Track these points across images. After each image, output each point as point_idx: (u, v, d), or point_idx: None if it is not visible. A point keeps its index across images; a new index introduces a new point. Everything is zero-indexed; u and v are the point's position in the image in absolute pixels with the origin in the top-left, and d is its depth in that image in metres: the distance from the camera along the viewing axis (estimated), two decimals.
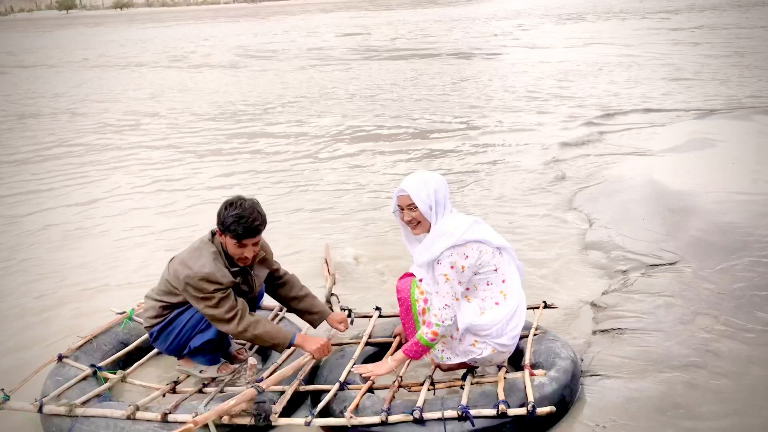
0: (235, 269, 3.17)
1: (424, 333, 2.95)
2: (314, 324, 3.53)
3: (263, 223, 3.10)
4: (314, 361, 3.29)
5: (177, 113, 12.36)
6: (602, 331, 3.78)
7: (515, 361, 3.27)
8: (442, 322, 2.90)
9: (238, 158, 8.71)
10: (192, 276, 3.03)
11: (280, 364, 3.33)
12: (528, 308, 3.57)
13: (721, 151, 7.77)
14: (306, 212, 6.33)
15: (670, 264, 4.67)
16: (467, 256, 2.88)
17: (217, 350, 3.34)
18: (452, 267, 2.88)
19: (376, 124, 10.39)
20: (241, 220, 3.02)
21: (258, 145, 9.43)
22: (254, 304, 3.45)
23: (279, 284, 3.52)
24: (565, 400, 2.94)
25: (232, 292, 3.10)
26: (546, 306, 3.67)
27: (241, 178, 7.70)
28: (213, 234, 3.19)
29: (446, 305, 2.89)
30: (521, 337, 3.27)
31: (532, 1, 53.68)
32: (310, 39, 28.68)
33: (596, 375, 3.30)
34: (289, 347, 3.20)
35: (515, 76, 14.84)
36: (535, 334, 3.35)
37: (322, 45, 25.49)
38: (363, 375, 3.08)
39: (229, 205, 3.07)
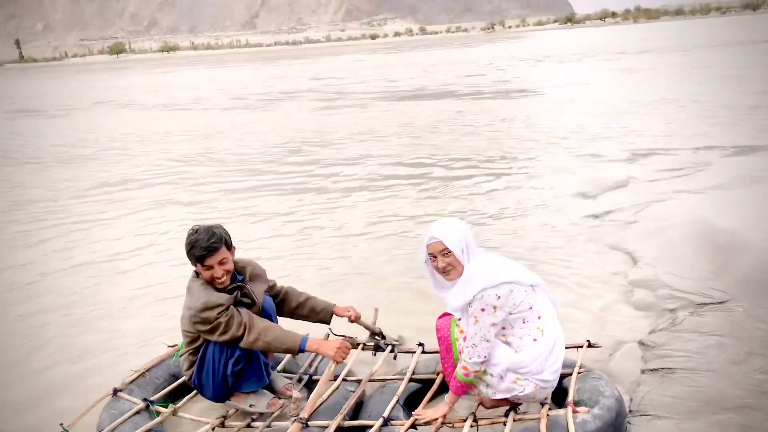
0: (229, 288, 3.32)
1: (459, 370, 3.01)
2: (325, 321, 3.68)
3: (219, 240, 3.25)
4: (357, 395, 3.34)
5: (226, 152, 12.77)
6: (651, 371, 3.71)
7: (559, 399, 3.25)
8: (469, 358, 2.96)
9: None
10: (194, 313, 3.20)
11: (325, 400, 3.38)
12: (572, 347, 3.57)
13: None
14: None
15: (720, 303, 4.57)
16: (499, 297, 2.93)
17: (257, 367, 3.41)
18: (483, 309, 2.93)
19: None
20: (196, 243, 3.22)
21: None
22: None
23: (280, 301, 3.68)
24: None
25: (235, 309, 3.24)
26: (590, 345, 3.64)
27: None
28: (196, 273, 3.36)
29: (473, 344, 2.95)
30: (565, 375, 3.27)
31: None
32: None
33: (646, 415, 3.24)
34: (302, 351, 3.26)
35: (558, 114, 14.87)
36: (579, 372, 3.33)
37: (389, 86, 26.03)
38: (422, 421, 3.08)
39: (188, 234, 3.29)
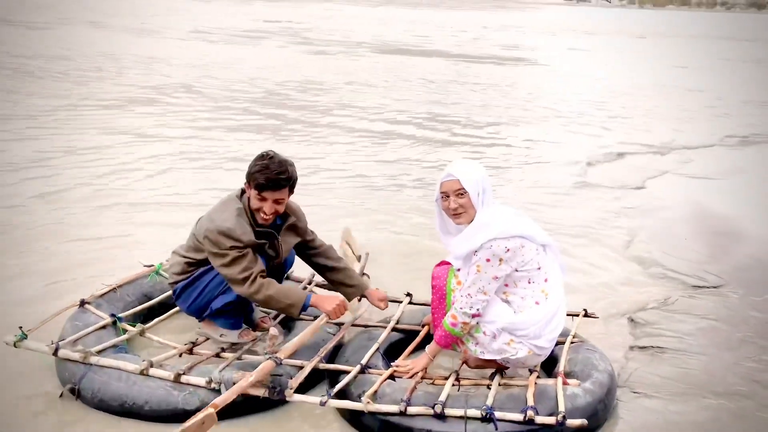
0: (260, 230, 3.05)
1: (446, 318, 2.82)
2: (350, 297, 3.40)
3: (289, 179, 2.98)
4: (337, 338, 3.18)
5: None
6: (641, 348, 3.59)
7: (548, 367, 3.09)
8: (461, 308, 2.76)
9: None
10: (212, 229, 2.93)
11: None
12: (567, 315, 3.40)
13: None
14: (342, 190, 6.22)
15: (714, 287, 4.45)
16: (508, 250, 2.71)
17: (240, 314, 3.24)
18: (488, 260, 2.72)
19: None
20: (265, 170, 2.93)
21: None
22: (281, 271, 3.35)
23: (314, 254, 3.41)
24: (598, 415, 2.76)
25: (251, 253, 2.98)
26: (586, 315, 3.48)
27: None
28: (242, 192, 3.09)
29: (469, 294, 2.74)
30: (557, 344, 3.10)
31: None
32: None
33: (634, 392, 3.11)
34: (305, 309, 3.05)
35: (555, 86, 14.52)
36: (572, 342, 3.17)
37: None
38: (401, 371, 2.91)
39: (260, 156, 2.99)
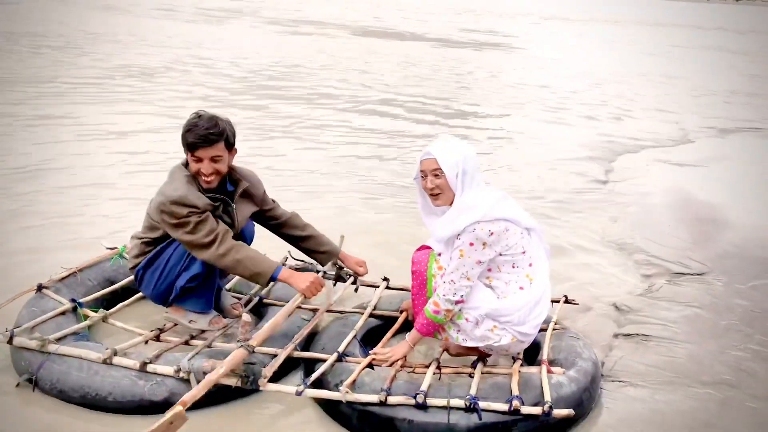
0: (211, 195, 2.89)
1: (428, 305, 2.70)
2: (323, 262, 3.28)
3: (220, 134, 2.81)
4: (311, 325, 3.03)
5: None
6: (625, 335, 3.50)
7: (530, 355, 2.98)
8: (443, 295, 2.64)
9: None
10: (164, 202, 2.77)
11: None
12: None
13: (757, 167, 7.47)
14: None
15: (698, 274, 4.39)
16: (492, 233, 2.59)
17: (209, 290, 3.04)
18: (471, 244, 2.60)
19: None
20: (193, 128, 2.78)
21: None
22: None
23: (277, 224, 3.27)
24: (584, 404, 2.66)
25: (211, 216, 2.83)
26: (567, 301, 3.39)
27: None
28: (186, 163, 2.92)
29: (452, 281, 2.62)
30: (539, 330, 2.99)
31: None
32: None
33: (619, 381, 3.03)
34: (273, 280, 2.89)
35: (536, 72, 14.44)
36: (554, 329, 3.07)
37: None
38: (380, 359, 2.77)
39: (190, 117, 2.85)
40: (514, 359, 2.80)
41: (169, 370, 2.61)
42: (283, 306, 3.14)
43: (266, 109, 8.67)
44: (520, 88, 11.90)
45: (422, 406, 2.46)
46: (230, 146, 2.89)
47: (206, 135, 2.77)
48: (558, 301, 3.35)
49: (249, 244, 3.14)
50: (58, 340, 2.77)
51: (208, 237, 2.77)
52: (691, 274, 4.38)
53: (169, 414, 2.23)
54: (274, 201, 3.30)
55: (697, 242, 4.95)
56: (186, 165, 2.91)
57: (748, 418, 2.85)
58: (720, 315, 3.81)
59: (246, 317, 2.78)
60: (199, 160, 2.81)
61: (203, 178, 2.84)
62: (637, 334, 3.53)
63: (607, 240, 4.98)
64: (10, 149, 6.08)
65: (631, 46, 21.68)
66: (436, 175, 2.66)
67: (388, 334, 3.08)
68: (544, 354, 2.83)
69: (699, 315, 3.80)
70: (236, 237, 2.99)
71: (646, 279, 4.31)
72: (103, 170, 5.71)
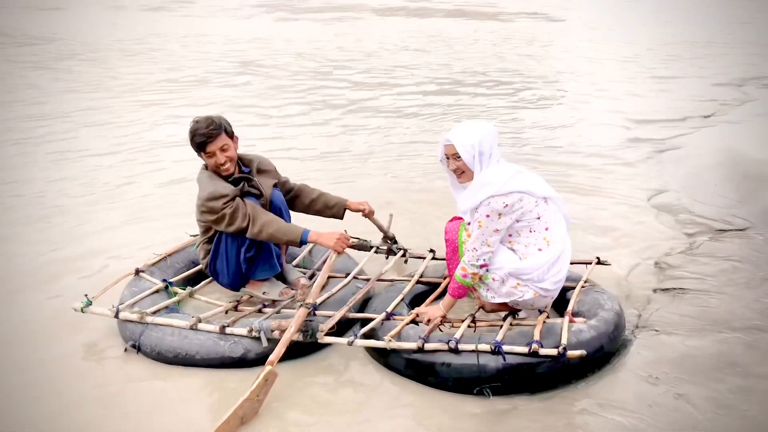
0: (233, 179, 3.43)
1: (457, 271, 3.07)
2: (338, 216, 3.77)
3: (218, 126, 3.36)
4: (365, 290, 3.46)
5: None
6: (663, 290, 3.73)
7: (561, 310, 3.30)
8: (468, 261, 3.01)
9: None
10: (202, 203, 3.34)
11: (335, 293, 3.50)
12: (581, 263, 3.59)
13: None
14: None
15: (740, 230, 4.52)
16: (506, 205, 2.94)
17: (268, 254, 3.54)
18: (488, 216, 2.95)
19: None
20: (196, 131, 3.34)
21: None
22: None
23: (293, 197, 3.77)
24: (604, 349, 2.97)
25: (241, 203, 3.35)
26: (599, 262, 3.65)
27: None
28: (205, 165, 3.49)
29: (474, 248, 2.99)
30: (569, 289, 3.31)
31: None
32: None
33: (653, 330, 3.29)
34: (303, 243, 3.37)
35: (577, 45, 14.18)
36: (582, 286, 3.37)
37: None
38: (421, 316, 3.17)
39: (190, 126, 3.40)
40: (541, 312, 3.14)
41: (243, 330, 3.11)
42: (341, 277, 3.63)
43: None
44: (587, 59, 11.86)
45: (454, 351, 2.85)
46: (231, 135, 3.44)
47: (209, 131, 3.34)
48: (590, 263, 3.62)
49: (280, 211, 3.60)
50: (154, 313, 3.33)
51: (244, 221, 3.32)
52: (733, 230, 4.50)
53: (262, 374, 2.74)
54: (286, 177, 3.80)
55: (743, 200, 5.02)
56: (206, 167, 3.48)
57: None
58: (758, 267, 3.94)
59: (303, 281, 3.26)
60: (212, 154, 3.38)
61: (222, 168, 3.40)
62: (675, 288, 3.74)
63: (654, 202, 5.14)
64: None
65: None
66: (456, 158, 3.04)
67: (432, 296, 3.49)
68: (570, 306, 3.15)
69: (737, 268, 3.95)
70: (267, 205, 3.51)
71: (688, 237, 4.48)
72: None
